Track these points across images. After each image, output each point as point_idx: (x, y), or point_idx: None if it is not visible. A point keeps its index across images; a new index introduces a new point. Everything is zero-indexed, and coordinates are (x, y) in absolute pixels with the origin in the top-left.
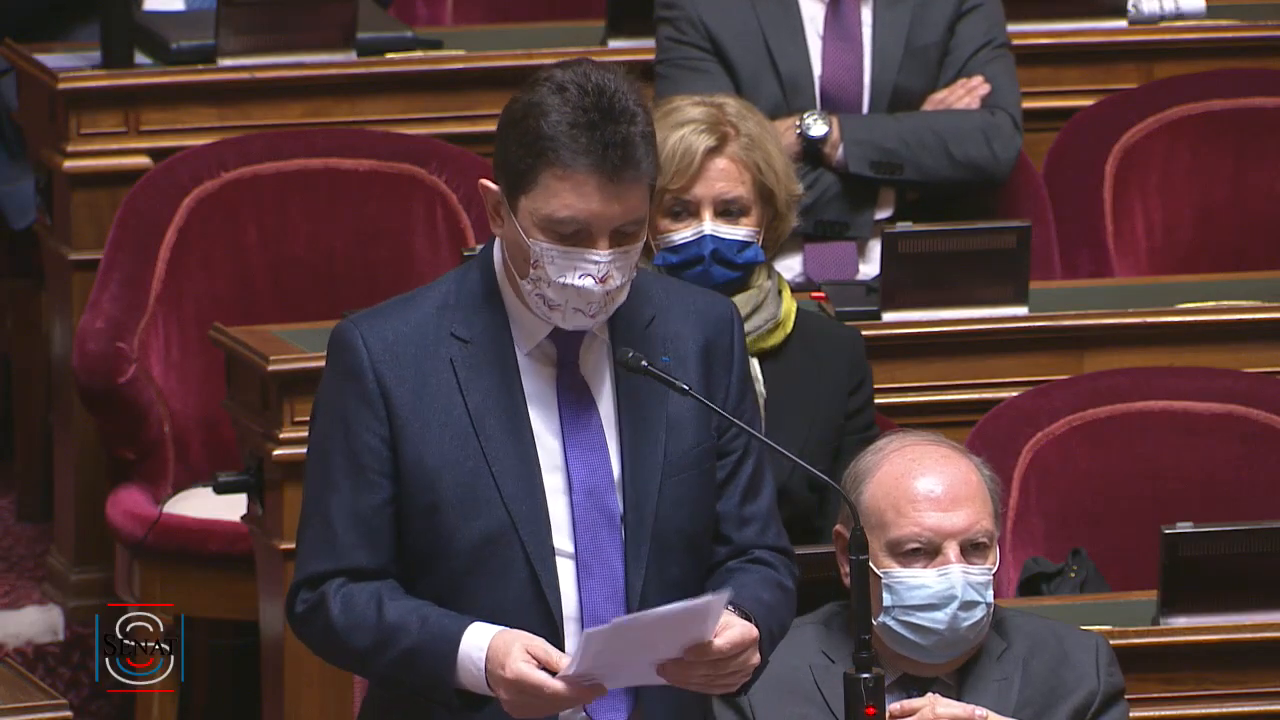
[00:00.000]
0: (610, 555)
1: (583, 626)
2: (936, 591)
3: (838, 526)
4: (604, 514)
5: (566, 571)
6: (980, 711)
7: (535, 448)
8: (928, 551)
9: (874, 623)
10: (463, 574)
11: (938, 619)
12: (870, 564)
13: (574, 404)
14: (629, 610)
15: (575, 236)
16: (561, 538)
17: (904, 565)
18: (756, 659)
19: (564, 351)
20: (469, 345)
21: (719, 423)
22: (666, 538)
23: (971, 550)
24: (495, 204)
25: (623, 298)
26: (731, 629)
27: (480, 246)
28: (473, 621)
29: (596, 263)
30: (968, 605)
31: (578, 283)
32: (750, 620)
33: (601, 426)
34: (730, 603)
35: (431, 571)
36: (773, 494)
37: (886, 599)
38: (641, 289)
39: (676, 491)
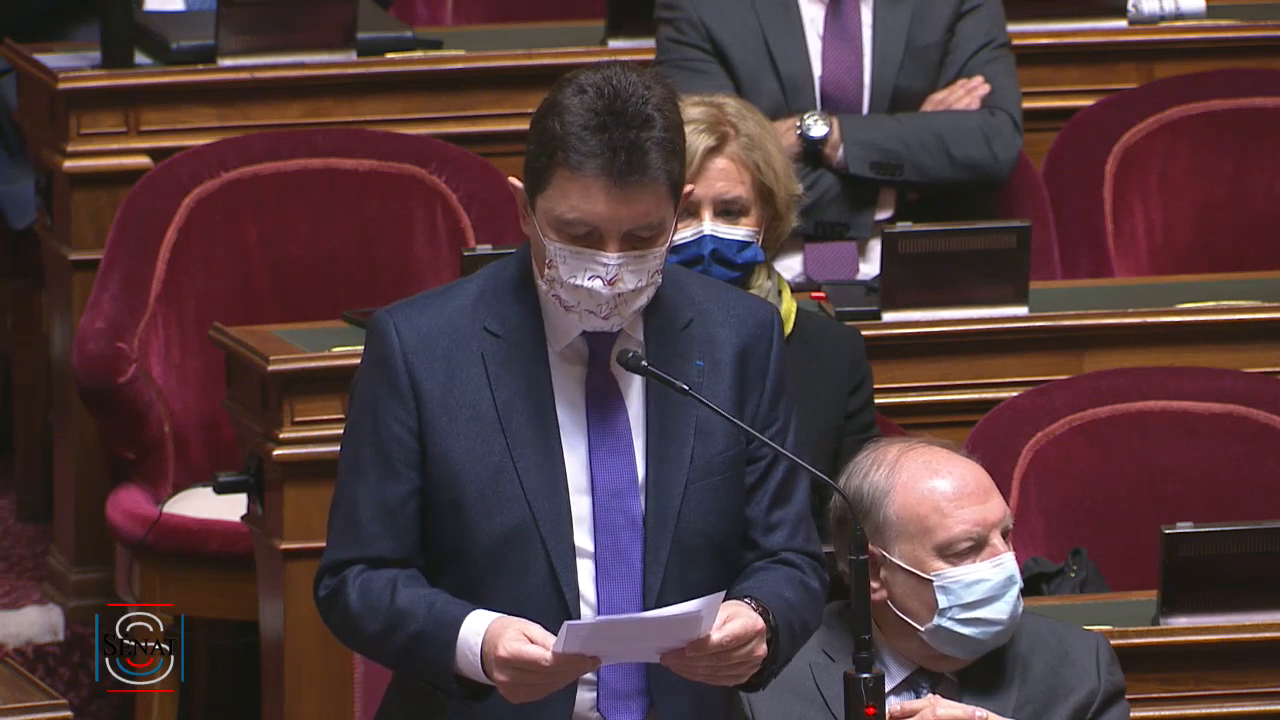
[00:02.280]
0: (631, 556)
1: None
2: (996, 583)
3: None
4: (626, 515)
5: (586, 571)
6: (980, 713)
7: (560, 446)
8: (976, 547)
9: (921, 629)
10: (483, 569)
11: (1001, 609)
12: (915, 570)
13: (601, 404)
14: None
15: (586, 238)
16: (583, 537)
17: (955, 564)
18: (763, 650)
19: (595, 351)
20: (501, 340)
21: (756, 410)
22: (689, 541)
23: (1006, 537)
24: (523, 203)
25: (641, 301)
26: (733, 621)
27: (481, 248)
28: (475, 609)
29: (605, 265)
30: (1020, 590)
31: (587, 284)
32: (766, 613)
33: (629, 427)
34: (748, 597)
35: (455, 565)
36: (805, 500)
37: (942, 601)
38: (683, 290)
39: (702, 496)
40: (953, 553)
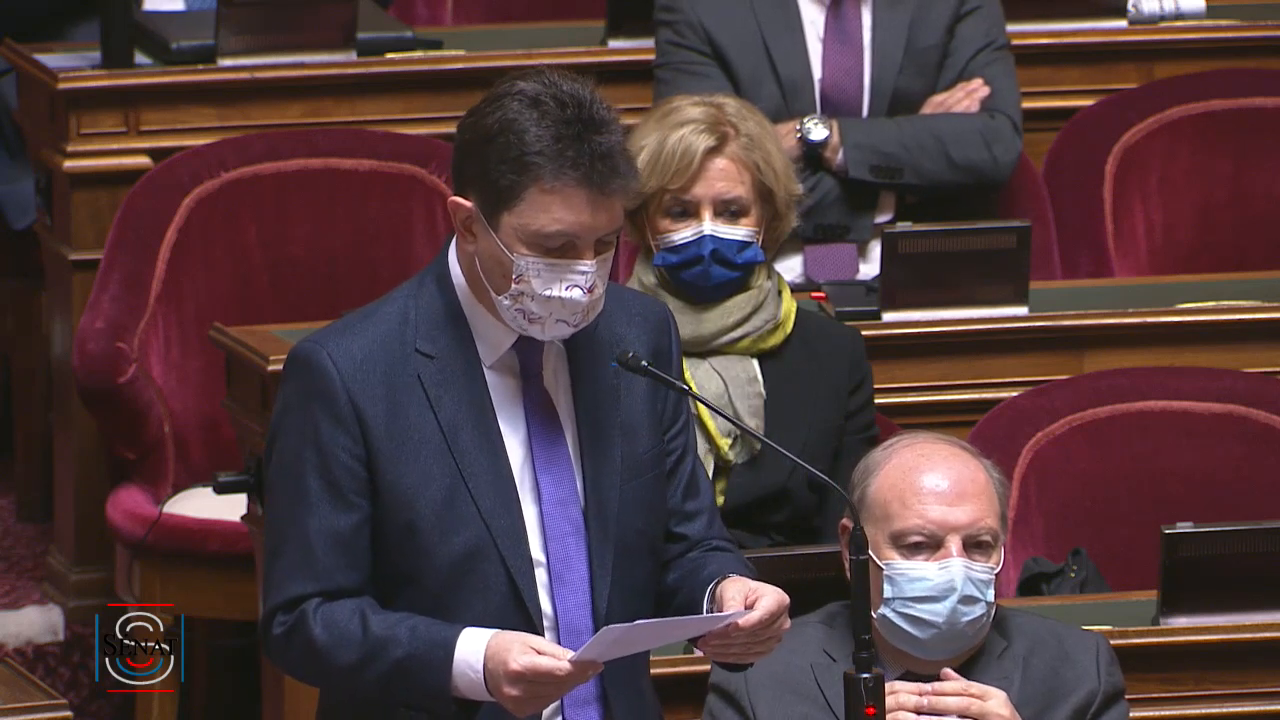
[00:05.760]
0: (577, 562)
1: (558, 634)
2: (937, 584)
3: (844, 520)
4: (570, 522)
5: (541, 581)
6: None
7: (508, 460)
8: (930, 545)
9: (874, 615)
10: (443, 589)
11: (937, 611)
12: (873, 556)
13: (540, 413)
14: (595, 615)
15: (562, 249)
16: (535, 548)
17: (906, 558)
18: (788, 623)
19: (527, 362)
20: (435, 360)
21: (664, 405)
22: (628, 542)
23: (975, 548)
24: (466, 220)
25: (601, 305)
26: (765, 598)
27: None
28: (464, 628)
29: (584, 273)
30: (968, 600)
31: (565, 294)
32: None
33: (565, 436)
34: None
35: (411, 588)
36: (711, 490)
37: (887, 590)
38: None
39: (634, 495)
40: (903, 544)
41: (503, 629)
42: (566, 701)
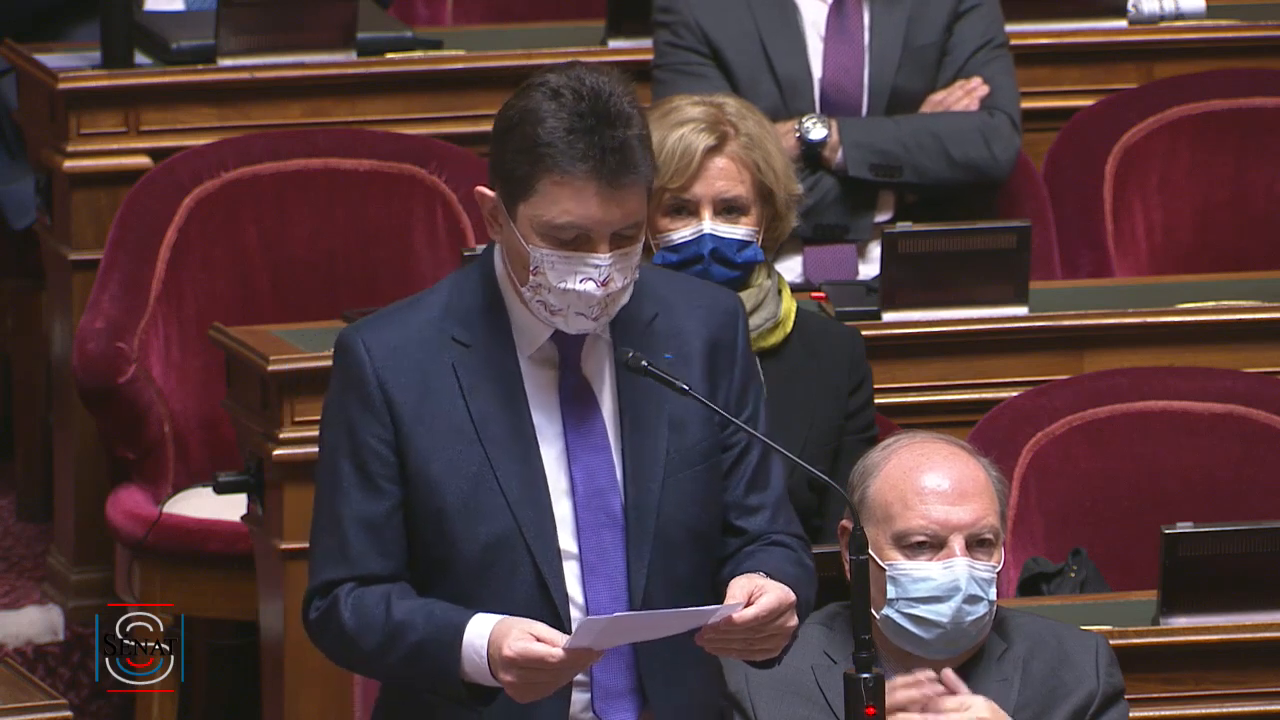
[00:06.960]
0: (614, 554)
1: None
2: (941, 584)
3: (844, 521)
4: (607, 514)
5: (572, 573)
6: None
7: (538, 451)
8: (933, 545)
9: (876, 616)
10: (470, 578)
11: (941, 612)
12: (875, 557)
13: (576, 405)
14: (631, 607)
15: (575, 242)
16: (566, 539)
17: (909, 558)
18: (794, 622)
19: (565, 353)
20: (470, 350)
21: (721, 417)
22: (671, 535)
23: (977, 546)
24: (492, 211)
25: (625, 299)
26: (767, 594)
27: (481, 247)
28: (476, 613)
29: (598, 266)
30: (972, 599)
31: (579, 287)
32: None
33: (604, 427)
34: (761, 573)
35: (442, 576)
36: (782, 484)
37: (890, 591)
38: (645, 286)
39: (680, 489)
40: (906, 545)
41: (530, 619)
42: (598, 694)
